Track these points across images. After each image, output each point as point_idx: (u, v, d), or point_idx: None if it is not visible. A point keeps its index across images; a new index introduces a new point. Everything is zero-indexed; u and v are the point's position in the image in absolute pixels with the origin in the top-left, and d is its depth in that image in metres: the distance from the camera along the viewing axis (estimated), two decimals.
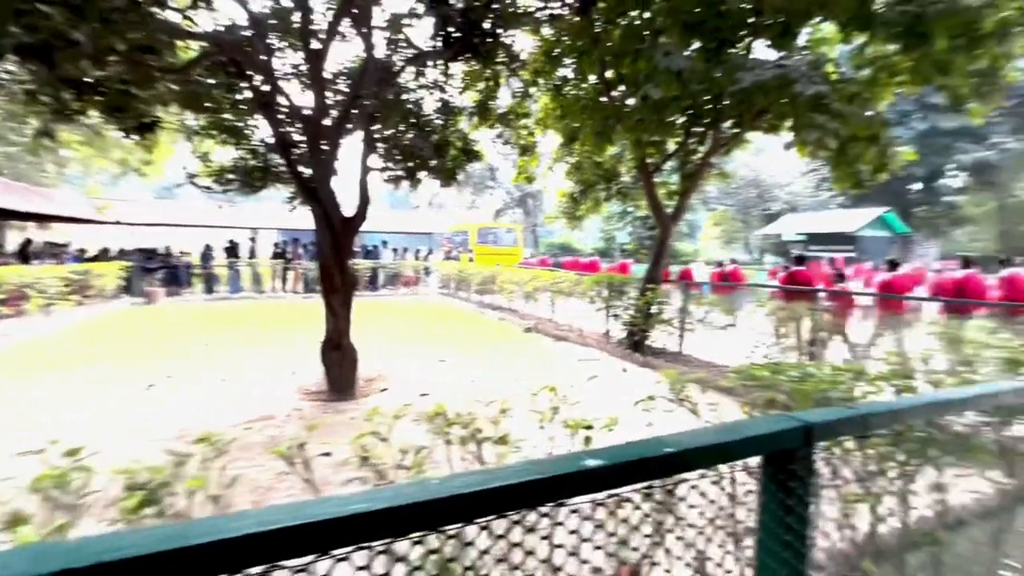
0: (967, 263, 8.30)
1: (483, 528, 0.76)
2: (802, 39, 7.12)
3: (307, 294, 16.65)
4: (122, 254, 16.48)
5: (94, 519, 1.14)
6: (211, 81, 6.34)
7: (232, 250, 17.76)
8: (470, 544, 0.74)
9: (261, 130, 7.24)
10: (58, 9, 3.86)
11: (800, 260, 9.39)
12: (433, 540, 0.71)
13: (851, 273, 12.42)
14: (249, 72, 5.87)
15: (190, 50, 6.31)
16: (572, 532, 0.85)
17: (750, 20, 6.60)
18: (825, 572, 1.26)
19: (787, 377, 1.87)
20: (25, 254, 13.43)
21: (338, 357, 5.84)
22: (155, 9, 4.77)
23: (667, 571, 1.03)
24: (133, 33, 4.59)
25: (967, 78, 5.43)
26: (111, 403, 5.34)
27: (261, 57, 5.58)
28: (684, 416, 1.80)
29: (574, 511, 0.83)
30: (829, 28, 7.04)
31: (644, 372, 7.13)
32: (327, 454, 3.08)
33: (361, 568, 0.69)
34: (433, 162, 7.57)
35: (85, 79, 4.85)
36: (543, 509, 0.78)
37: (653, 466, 0.85)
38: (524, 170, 9.99)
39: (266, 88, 5.92)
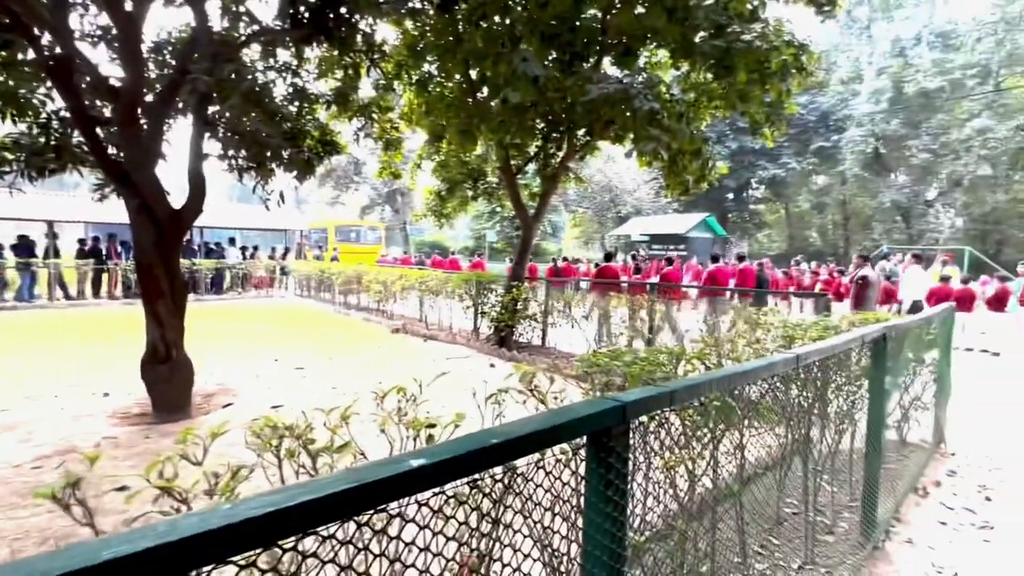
0: (741, 259, 12.30)
1: (289, 549, 0.68)
2: (642, 61, 8.00)
3: (129, 300, 14.07)
4: None
5: None
6: None
7: (25, 247, 14.22)
8: (272, 571, 0.66)
9: (56, 102, 5.90)
10: None
11: (608, 257, 11.43)
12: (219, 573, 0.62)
13: (649, 268, 15.01)
14: (31, 26, 4.74)
15: None
16: (394, 538, 0.82)
17: (599, 38, 7.21)
18: (644, 536, 1.41)
19: (622, 362, 2.07)
20: None
21: (165, 372, 5.03)
22: None
23: (504, 564, 1.05)
24: None
25: (761, 106, 6.60)
26: None
27: (47, 11, 4.54)
28: (533, 406, 1.88)
29: (397, 515, 0.80)
30: (663, 54, 8.01)
31: (510, 367, 7.38)
32: (123, 488, 2.60)
33: None
34: (285, 152, 6.92)
35: None
36: (360, 519, 0.74)
37: (481, 458, 0.85)
38: (388, 166, 9.67)
39: (57, 50, 4.84)
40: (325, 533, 0.70)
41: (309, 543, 0.72)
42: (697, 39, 6.30)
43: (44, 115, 5.85)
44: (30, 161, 5.73)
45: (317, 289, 16.37)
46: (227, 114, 6.43)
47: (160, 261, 5.00)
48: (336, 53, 6.90)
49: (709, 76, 6.71)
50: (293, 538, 0.67)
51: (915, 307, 10.02)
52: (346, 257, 20.42)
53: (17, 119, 5.79)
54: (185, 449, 1.16)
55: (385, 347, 8.82)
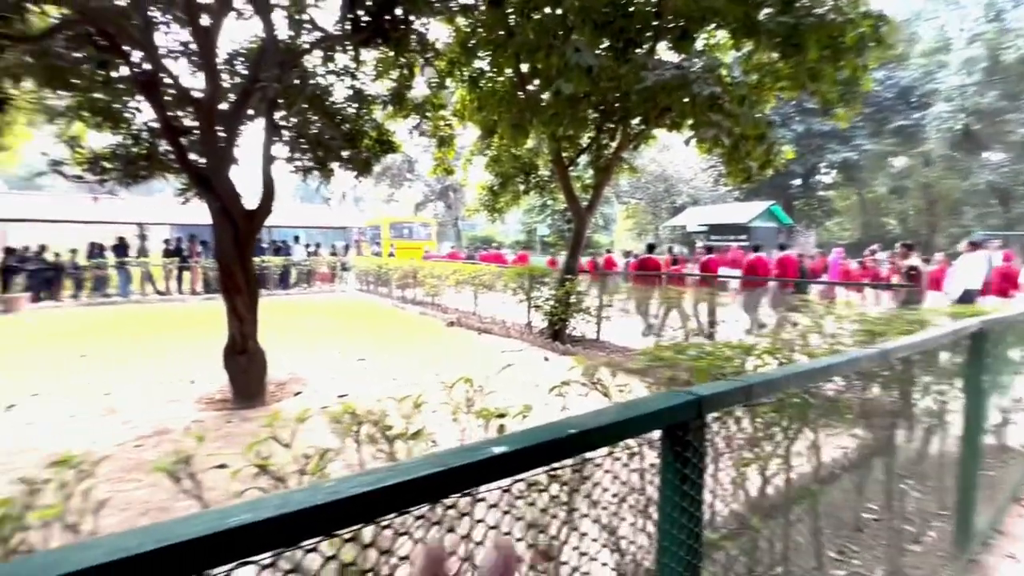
0: (783, 247, 11.65)
1: (385, 527, 0.72)
2: (699, 44, 7.67)
3: (208, 295, 15.24)
4: None
5: None
6: (77, 55, 5.54)
7: (123, 248, 15.78)
8: (370, 546, 0.70)
9: (146, 113, 6.46)
10: None
11: (650, 248, 11.13)
12: (327, 546, 0.67)
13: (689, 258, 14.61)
14: (125, 47, 5.21)
15: (47, 17, 5.47)
16: (479, 521, 0.84)
17: (653, 23, 6.98)
18: (719, 532, 1.38)
19: (687, 356, 2.01)
20: None
21: (244, 362, 5.41)
22: None
23: (575, 549, 1.06)
24: None
25: (834, 85, 6.15)
26: None
27: (139, 30, 4.96)
28: (598, 399, 1.87)
29: (481, 500, 0.83)
30: (722, 35, 7.64)
31: (564, 360, 7.37)
32: (223, 466, 2.82)
33: None
34: (345, 152, 7.22)
35: None
36: (447, 501, 0.77)
37: (559, 448, 0.86)
38: (442, 162, 9.85)
39: (147, 67, 5.29)
40: (418, 514, 0.74)
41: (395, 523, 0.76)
42: (761, 16, 5.96)
43: (136, 127, 6.42)
44: (126, 169, 6.33)
45: (375, 284, 17.00)
46: (292, 118, 6.78)
47: (237, 259, 5.37)
48: (392, 54, 7.10)
49: (775, 55, 6.34)
50: (384, 518, 0.71)
51: (966, 297, 9.03)
52: (399, 253, 21.16)
53: (113, 131, 6.41)
54: (275, 432, 1.25)
55: (441, 340, 9.05)
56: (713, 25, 7.19)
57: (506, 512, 0.87)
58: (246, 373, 5.43)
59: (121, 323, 10.82)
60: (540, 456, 0.84)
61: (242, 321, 5.43)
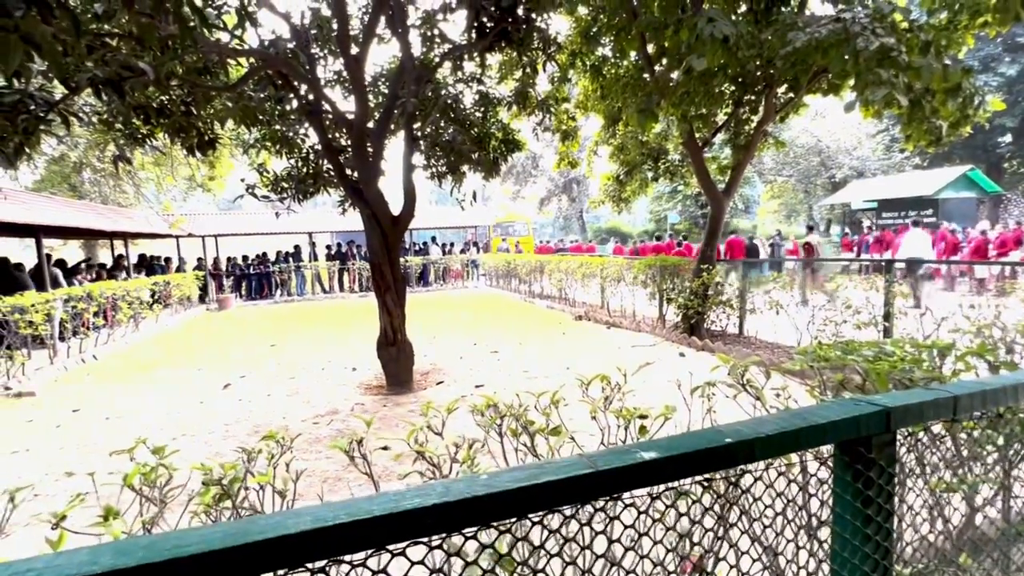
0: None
1: (536, 523, 0.74)
2: None
3: (363, 293, 17.31)
4: (202, 263, 17.80)
5: (176, 513, 1.23)
6: (261, 95, 6.66)
7: (297, 255, 18.82)
8: (523, 539, 0.73)
9: (311, 138, 7.54)
10: (123, 42, 4.16)
11: (810, 229, 9.64)
12: (485, 535, 0.71)
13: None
14: (295, 83, 6.11)
15: (240, 67, 6.64)
16: (628, 527, 0.82)
17: None
18: (912, 568, 1.16)
19: (861, 356, 1.73)
20: (126, 267, 14.85)
21: (394, 352, 6.03)
22: (206, 32, 5.03)
23: (733, 566, 0.98)
24: (189, 57, 4.88)
25: None
26: (193, 403, 5.79)
27: (305, 67, 5.78)
28: (747, 403, 1.71)
29: (630, 505, 0.81)
30: None
31: (702, 356, 6.89)
32: (386, 448, 3.18)
33: (416, 563, 0.70)
34: (475, 155, 7.60)
35: (152, 104, 5.23)
36: (598, 503, 0.76)
37: (714, 457, 0.80)
38: (566, 156, 9.85)
39: (311, 96, 6.14)
40: (568, 513, 0.75)
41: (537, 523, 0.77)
42: None
43: (304, 150, 7.52)
44: (298, 187, 7.44)
45: (504, 278, 17.69)
46: (427, 128, 7.33)
47: (387, 260, 5.99)
48: (515, 55, 7.27)
49: None
50: (537, 514, 0.73)
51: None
52: (524, 246, 22.19)
53: (288, 156, 7.58)
54: (428, 420, 1.37)
55: (570, 333, 9.08)
56: None
57: (657, 520, 0.83)
58: (396, 362, 6.05)
59: (299, 317, 12.81)
60: (692, 465, 0.79)
61: (391, 315, 6.05)
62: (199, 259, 18.11)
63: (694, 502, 0.90)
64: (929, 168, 22.48)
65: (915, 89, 4.92)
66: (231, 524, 0.60)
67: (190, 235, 17.60)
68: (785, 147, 9.98)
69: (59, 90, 4.16)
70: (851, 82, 5.45)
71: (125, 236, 14.80)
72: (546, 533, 0.75)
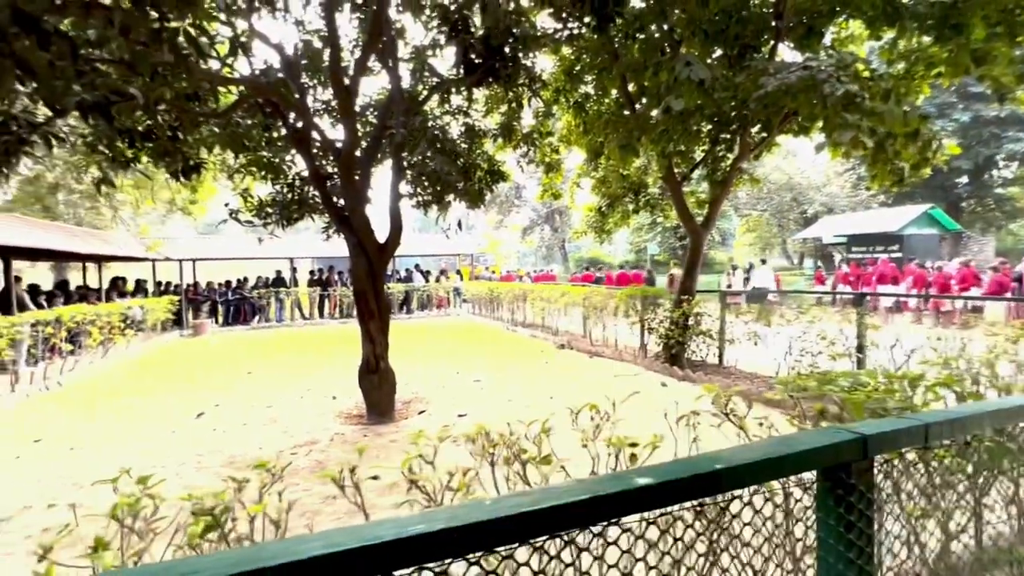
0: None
1: (536, 548, 0.76)
2: (828, 39, 6.99)
3: (344, 319, 17.07)
4: (171, 289, 17.33)
5: (163, 544, 1.19)
6: (249, 122, 6.71)
7: (279, 280, 18.55)
8: (525, 565, 0.74)
9: (297, 165, 7.58)
10: (114, 67, 4.18)
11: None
12: (485, 562, 0.72)
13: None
14: (284, 111, 6.18)
15: (230, 94, 6.70)
16: (625, 552, 0.84)
17: (772, 24, 6.54)
18: None
19: (838, 387, 1.81)
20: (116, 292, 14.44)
21: (376, 381, 5.94)
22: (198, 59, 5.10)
23: None
24: (179, 83, 4.92)
25: (1009, 65, 5.20)
26: (164, 432, 5.58)
27: (295, 96, 5.87)
28: (730, 431, 1.75)
29: (626, 530, 0.83)
30: (856, 25, 6.89)
31: (684, 386, 6.96)
32: (375, 477, 3.12)
33: None
34: (460, 185, 7.72)
35: (138, 128, 5.22)
36: (595, 528, 0.78)
37: (704, 483, 0.84)
38: (549, 187, 10.07)
39: (300, 125, 6.21)
40: (566, 538, 0.77)
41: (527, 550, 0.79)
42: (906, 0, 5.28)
43: (290, 177, 7.54)
44: (283, 213, 7.43)
45: (486, 307, 17.70)
46: (415, 158, 7.45)
47: (371, 288, 5.97)
48: (502, 90, 7.51)
49: (926, 39, 5.55)
50: (538, 539, 0.75)
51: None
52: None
53: (273, 182, 7.59)
54: (420, 450, 1.37)
55: (553, 362, 9.09)
56: (844, 17, 6.53)
57: (651, 545, 0.86)
58: (379, 390, 5.95)
59: (278, 343, 12.54)
60: (685, 490, 0.83)
61: (374, 343, 5.99)
62: (163, 283, 17.41)
63: (686, 527, 0.93)
64: (894, 206, 23.58)
65: (878, 132, 5.23)
66: (242, 550, 0.61)
67: (167, 259, 17.22)
68: (760, 183, 10.40)
69: (42, 111, 4.14)
70: (820, 124, 5.78)
71: (100, 259, 14.43)
72: (545, 558, 0.76)
